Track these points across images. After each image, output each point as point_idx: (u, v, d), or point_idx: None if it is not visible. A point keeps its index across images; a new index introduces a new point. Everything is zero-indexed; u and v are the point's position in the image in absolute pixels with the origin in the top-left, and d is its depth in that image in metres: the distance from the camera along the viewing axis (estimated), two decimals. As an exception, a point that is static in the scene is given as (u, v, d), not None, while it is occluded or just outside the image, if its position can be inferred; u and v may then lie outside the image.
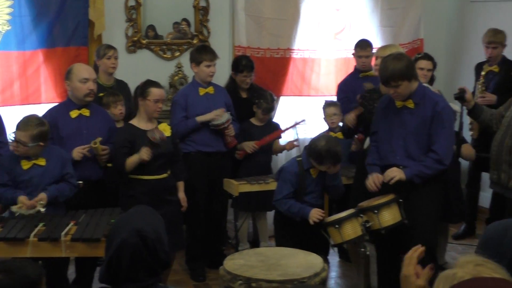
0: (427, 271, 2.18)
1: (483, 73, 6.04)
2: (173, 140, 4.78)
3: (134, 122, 4.67)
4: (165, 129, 4.71)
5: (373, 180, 4.33)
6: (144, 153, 4.46)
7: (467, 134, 5.94)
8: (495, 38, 6.03)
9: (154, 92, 4.60)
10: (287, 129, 5.83)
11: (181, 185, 4.88)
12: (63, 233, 3.77)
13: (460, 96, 4.71)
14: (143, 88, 4.63)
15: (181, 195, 4.86)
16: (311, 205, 4.39)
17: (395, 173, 4.22)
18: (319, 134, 4.69)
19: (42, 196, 4.16)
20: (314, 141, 4.42)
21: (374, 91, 4.89)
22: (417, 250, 2.26)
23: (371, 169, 4.43)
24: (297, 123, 5.87)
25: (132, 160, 4.51)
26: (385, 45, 5.21)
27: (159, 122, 4.76)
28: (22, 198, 4.11)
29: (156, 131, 4.47)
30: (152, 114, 4.64)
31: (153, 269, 2.42)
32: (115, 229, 2.47)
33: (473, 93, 5.93)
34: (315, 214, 4.26)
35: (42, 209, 4.10)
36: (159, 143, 4.45)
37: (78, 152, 4.57)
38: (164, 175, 4.68)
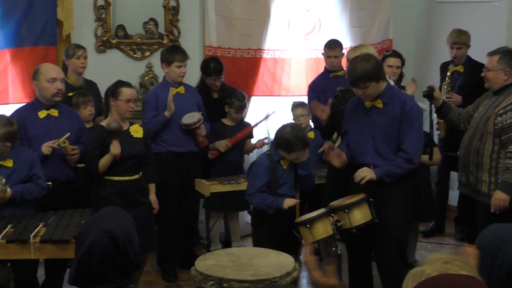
0: (329, 266, 2.20)
1: (448, 73, 6.09)
2: (145, 142, 4.75)
3: (105, 123, 4.62)
4: (137, 131, 4.69)
5: (329, 145, 4.41)
6: (114, 148, 4.43)
7: (434, 134, 5.98)
8: (459, 39, 6.08)
9: (125, 91, 4.57)
10: (258, 123, 5.81)
11: (152, 187, 4.84)
12: (32, 234, 3.71)
13: (429, 94, 4.73)
14: (114, 89, 4.60)
15: (152, 197, 4.83)
16: (288, 196, 4.38)
17: (366, 173, 4.23)
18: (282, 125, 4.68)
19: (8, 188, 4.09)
20: (278, 131, 4.42)
21: (347, 91, 4.89)
22: (309, 250, 2.28)
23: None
24: (268, 116, 5.85)
25: (105, 161, 4.47)
26: (355, 46, 5.20)
27: (131, 123, 4.72)
28: None
29: (110, 121, 4.46)
30: (124, 114, 4.60)
31: (123, 270, 2.39)
32: (85, 230, 2.43)
33: None
34: (288, 201, 4.27)
35: (7, 188, 4.02)
36: (117, 129, 4.43)
37: (47, 147, 4.50)
38: (136, 176, 4.64)
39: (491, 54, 4.55)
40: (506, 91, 4.45)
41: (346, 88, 4.99)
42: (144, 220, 4.54)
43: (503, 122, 4.31)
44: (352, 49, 5.05)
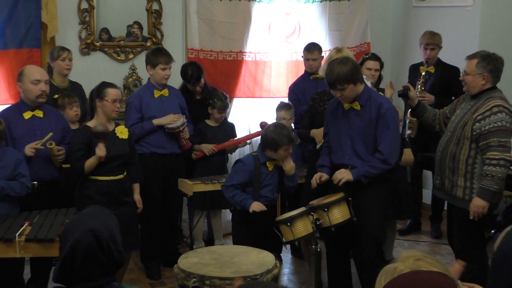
0: None
1: (423, 73, 6.13)
2: (130, 143, 4.73)
3: (91, 124, 4.59)
4: (123, 132, 4.67)
5: (315, 178, 4.38)
6: (99, 150, 4.41)
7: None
8: (433, 40, 6.14)
9: (111, 92, 4.56)
10: (251, 136, 5.81)
11: (136, 187, 4.83)
12: (17, 233, 3.68)
13: (404, 94, 4.68)
14: (99, 90, 4.58)
15: (137, 197, 4.81)
16: (268, 198, 4.39)
17: (343, 175, 4.25)
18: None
19: None
20: (263, 132, 4.46)
21: (324, 93, 4.91)
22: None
23: (320, 170, 4.47)
24: (258, 133, 5.79)
25: (90, 162, 4.44)
26: (336, 50, 5.15)
27: (117, 124, 4.70)
28: None
29: (96, 124, 4.45)
30: (111, 114, 4.58)
31: (107, 268, 2.38)
32: (69, 229, 2.42)
33: None
34: (255, 206, 4.28)
35: None
36: (103, 131, 4.41)
37: (30, 148, 4.46)
38: (120, 176, 4.62)
39: (469, 58, 4.40)
40: (484, 96, 4.30)
41: (323, 90, 4.99)
42: (127, 219, 4.54)
43: (481, 128, 4.17)
44: (334, 53, 5.03)
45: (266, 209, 4.32)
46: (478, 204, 4.17)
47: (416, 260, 1.78)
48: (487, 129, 4.16)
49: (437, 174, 4.56)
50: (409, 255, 1.81)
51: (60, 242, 2.44)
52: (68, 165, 4.70)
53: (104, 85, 4.61)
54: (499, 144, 4.12)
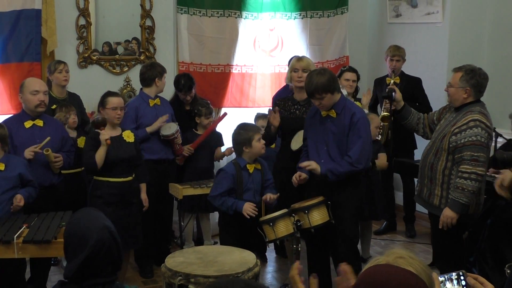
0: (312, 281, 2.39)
1: (392, 81, 6.11)
2: (136, 146, 4.76)
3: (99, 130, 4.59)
4: (129, 136, 4.72)
5: (295, 177, 4.37)
6: (103, 135, 4.44)
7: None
8: (399, 52, 6.18)
9: (112, 100, 4.59)
10: (214, 124, 5.77)
11: (143, 186, 4.84)
12: (15, 235, 3.65)
13: (389, 96, 4.56)
14: (102, 99, 4.62)
15: (143, 196, 4.82)
16: (250, 202, 4.31)
17: (313, 164, 4.24)
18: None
19: (20, 196, 4.11)
20: (234, 138, 4.45)
21: (288, 99, 4.89)
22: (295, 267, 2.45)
23: (300, 171, 4.45)
24: (223, 116, 5.80)
25: (99, 153, 4.46)
26: (295, 57, 5.13)
27: (124, 129, 4.73)
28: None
29: (94, 116, 4.48)
30: (113, 121, 4.60)
31: (116, 263, 2.31)
32: (84, 231, 2.27)
33: (380, 105, 6.02)
34: (248, 208, 4.21)
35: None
36: (103, 120, 4.49)
37: (29, 151, 4.44)
38: (129, 178, 4.65)
39: (455, 70, 4.24)
40: (465, 109, 4.16)
41: (286, 96, 4.99)
42: (134, 219, 4.62)
43: (457, 141, 4.06)
44: (295, 61, 4.99)
45: (257, 212, 4.27)
46: (447, 215, 4.09)
47: (398, 258, 1.73)
48: (462, 143, 4.05)
49: (418, 181, 4.48)
50: (395, 252, 1.76)
51: (72, 243, 2.29)
52: (67, 171, 4.67)
53: (107, 95, 4.66)
54: (471, 158, 4.02)
